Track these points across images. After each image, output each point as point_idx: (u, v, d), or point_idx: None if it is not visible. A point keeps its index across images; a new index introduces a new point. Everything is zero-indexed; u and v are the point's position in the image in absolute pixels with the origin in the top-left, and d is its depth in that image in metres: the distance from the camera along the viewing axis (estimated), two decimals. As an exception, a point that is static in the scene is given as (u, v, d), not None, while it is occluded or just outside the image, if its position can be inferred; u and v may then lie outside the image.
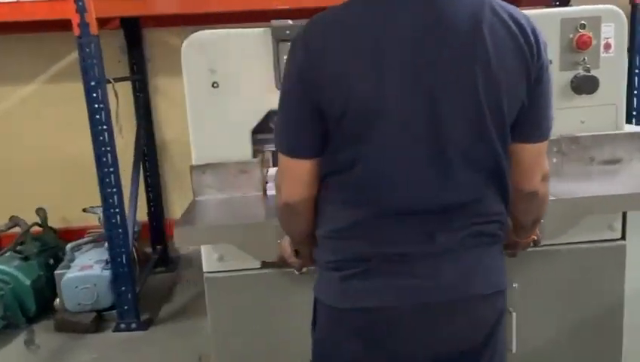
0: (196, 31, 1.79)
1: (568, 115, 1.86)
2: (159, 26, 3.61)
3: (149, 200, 3.80)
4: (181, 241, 1.58)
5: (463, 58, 1.04)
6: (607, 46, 1.83)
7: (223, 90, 1.79)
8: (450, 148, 1.07)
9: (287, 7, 3.01)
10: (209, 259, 1.84)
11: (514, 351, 1.91)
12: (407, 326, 1.12)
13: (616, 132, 1.88)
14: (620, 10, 1.83)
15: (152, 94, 3.70)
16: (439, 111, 1.06)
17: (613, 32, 1.83)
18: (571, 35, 1.81)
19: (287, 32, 1.74)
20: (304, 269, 1.49)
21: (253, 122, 1.82)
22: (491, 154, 1.11)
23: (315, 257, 1.25)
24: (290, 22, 1.75)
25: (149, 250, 3.85)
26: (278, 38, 1.74)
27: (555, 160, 1.85)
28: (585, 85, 1.81)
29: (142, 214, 3.68)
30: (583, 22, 1.81)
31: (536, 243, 1.53)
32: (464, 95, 1.05)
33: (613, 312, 1.82)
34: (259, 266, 1.82)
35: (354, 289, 1.13)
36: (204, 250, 1.84)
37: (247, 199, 1.79)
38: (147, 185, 3.74)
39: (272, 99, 1.75)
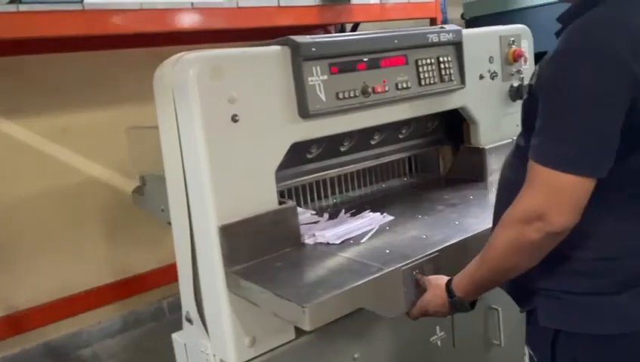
0: None
1: (511, 120, 2.10)
2: None
3: None
4: (319, 321, 1.16)
5: None
6: (525, 59, 2.13)
7: (245, 124, 1.40)
8: None
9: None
10: (239, 346, 1.43)
11: (502, 344, 2.04)
12: None
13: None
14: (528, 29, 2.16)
15: None
16: None
17: (527, 47, 2.14)
18: (506, 50, 2.05)
19: (314, 49, 1.48)
20: None
21: (277, 161, 1.48)
22: None
23: (567, 286, 1.11)
24: (309, 37, 1.50)
25: None
26: (304, 57, 1.46)
27: (511, 161, 2.07)
28: (522, 92, 2.06)
29: None
30: (512, 38, 2.07)
31: None
32: None
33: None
34: (293, 337, 1.51)
35: None
36: (231, 336, 1.43)
37: (296, 255, 1.44)
38: None
39: (295, 131, 1.49)
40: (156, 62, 3.44)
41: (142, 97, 3.33)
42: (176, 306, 3.59)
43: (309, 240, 1.51)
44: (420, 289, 1.30)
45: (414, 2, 3.14)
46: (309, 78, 1.49)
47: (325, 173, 1.79)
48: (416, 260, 1.30)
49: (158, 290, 3.47)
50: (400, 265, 1.28)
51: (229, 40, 2.90)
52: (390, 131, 1.87)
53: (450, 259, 1.37)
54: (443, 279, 1.25)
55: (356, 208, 1.78)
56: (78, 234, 3.19)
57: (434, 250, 1.35)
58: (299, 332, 1.53)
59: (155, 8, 2.26)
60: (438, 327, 1.87)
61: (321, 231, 1.52)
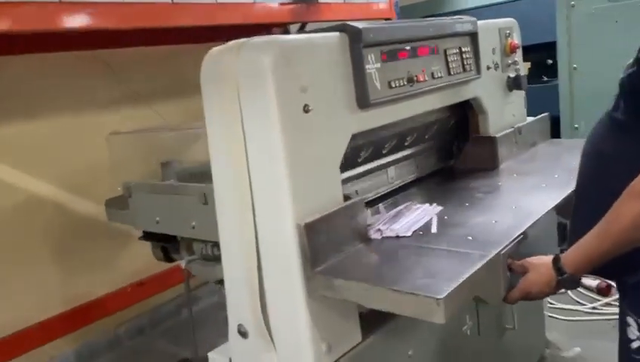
0: None
1: (509, 109, 2.17)
2: None
3: None
4: (449, 313, 1.08)
5: None
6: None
7: (315, 115, 1.31)
8: None
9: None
10: (317, 354, 1.34)
11: (515, 328, 2.11)
12: None
13: (531, 120, 2.29)
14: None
15: None
16: None
17: (517, 39, 2.23)
18: (504, 42, 2.12)
19: (371, 35, 1.42)
20: None
21: (341, 154, 1.40)
22: None
23: None
24: (364, 24, 1.43)
25: None
26: (365, 43, 1.40)
27: (514, 149, 2.13)
28: (520, 82, 2.14)
29: None
30: (508, 31, 2.14)
31: None
32: None
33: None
34: (360, 340, 1.45)
35: None
36: (309, 344, 1.34)
37: (374, 250, 1.37)
38: None
39: (354, 122, 1.43)
40: (98, 66, 3.17)
41: (89, 104, 3.05)
42: (134, 332, 3.31)
43: (375, 235, 1.44)
44: (513, 272, 1.29)
45: (372, 2, 3.17)
46: (367, 66, 1.43)
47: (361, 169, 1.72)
48: (509, 244, 1.29)
49: (114, 317, 3.16)
50: (499, 249, 1.25)
51: (187, 41, 2.75)
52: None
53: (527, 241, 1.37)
54: (546, 258, 1.25)
55: (391, 202, 1.74)
56: (20, 260, 2.82)
57: (519, 233, 1.34)
58: (364, 334, 1.46)
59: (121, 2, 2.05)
60: (467, 316, 1.88)
61: (385, 224, 1.46)
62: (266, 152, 1.27)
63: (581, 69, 3.01)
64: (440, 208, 1.61)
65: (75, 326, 2.99)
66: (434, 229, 1.44)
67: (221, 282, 2.01)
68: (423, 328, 1.67)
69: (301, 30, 3.78)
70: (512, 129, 2.12)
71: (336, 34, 1.39)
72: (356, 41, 1.39)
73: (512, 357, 2.26)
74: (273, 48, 1.23)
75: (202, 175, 2.23)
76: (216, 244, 1.90)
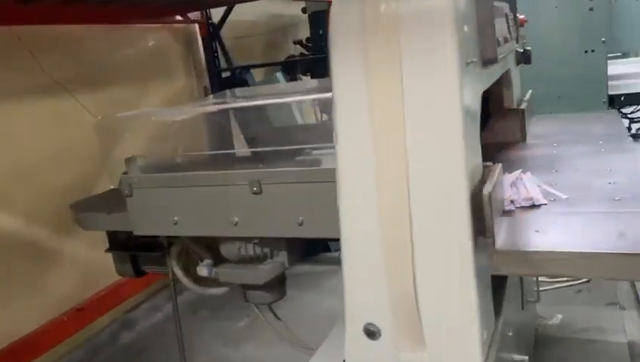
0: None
1: (517, 84, 2.18)
2: None
3: None
4: None
5: None
6: (515, 26, 2.23)
7: (472, 69, 1.14)
8: None
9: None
10: (482, 344, 1.20)
11: (538, 300, 2.17)
12: None
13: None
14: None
15: None
16: None
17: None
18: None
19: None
20: None
21: (479, 114, 1.24)
22: None
23: None
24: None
25: None
26: None
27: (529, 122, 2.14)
28: (529, 57, 2.16)
29: None
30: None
31: None
32: None
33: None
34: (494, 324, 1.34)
35: None
36: (477, 334, 1.19)
37: (530, 219, 1.24)
38: None
39: (482, 80, 1.32)
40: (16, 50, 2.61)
41: (9, 94, 2.46)
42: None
43: (508, 207, 1.31)
44: None
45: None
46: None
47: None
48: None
49: (52, 352, 2.60)
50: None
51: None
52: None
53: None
54: None
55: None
56: None
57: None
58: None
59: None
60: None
61: (515, 194, 1.34)
62: (438, 113, 1.07)
63: (524, 52, 3.18)
64: (534, 177, 1.53)
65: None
66: (563, 196, 1.36)
67: (251, 287, 1.74)
68: (509, 304, 1.59)
69: (227, 13, 3.50)
70: (526, 103, 2.13)
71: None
72: (486, -7, 1.26)
73: (531, 328, 2.30)
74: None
75: (175, 167, 1.91)
76: (263, 240, 1.64)
